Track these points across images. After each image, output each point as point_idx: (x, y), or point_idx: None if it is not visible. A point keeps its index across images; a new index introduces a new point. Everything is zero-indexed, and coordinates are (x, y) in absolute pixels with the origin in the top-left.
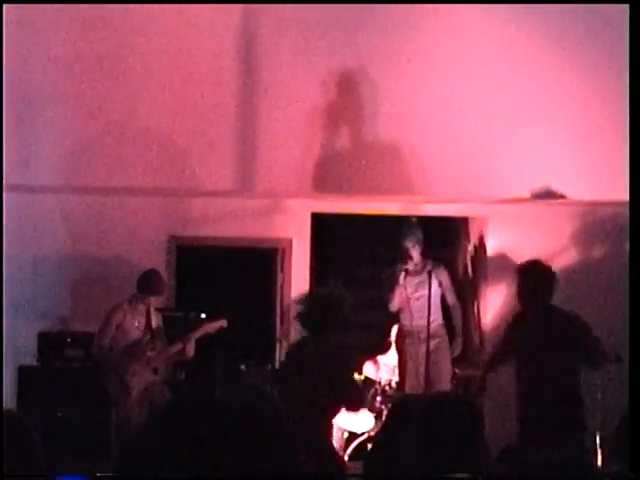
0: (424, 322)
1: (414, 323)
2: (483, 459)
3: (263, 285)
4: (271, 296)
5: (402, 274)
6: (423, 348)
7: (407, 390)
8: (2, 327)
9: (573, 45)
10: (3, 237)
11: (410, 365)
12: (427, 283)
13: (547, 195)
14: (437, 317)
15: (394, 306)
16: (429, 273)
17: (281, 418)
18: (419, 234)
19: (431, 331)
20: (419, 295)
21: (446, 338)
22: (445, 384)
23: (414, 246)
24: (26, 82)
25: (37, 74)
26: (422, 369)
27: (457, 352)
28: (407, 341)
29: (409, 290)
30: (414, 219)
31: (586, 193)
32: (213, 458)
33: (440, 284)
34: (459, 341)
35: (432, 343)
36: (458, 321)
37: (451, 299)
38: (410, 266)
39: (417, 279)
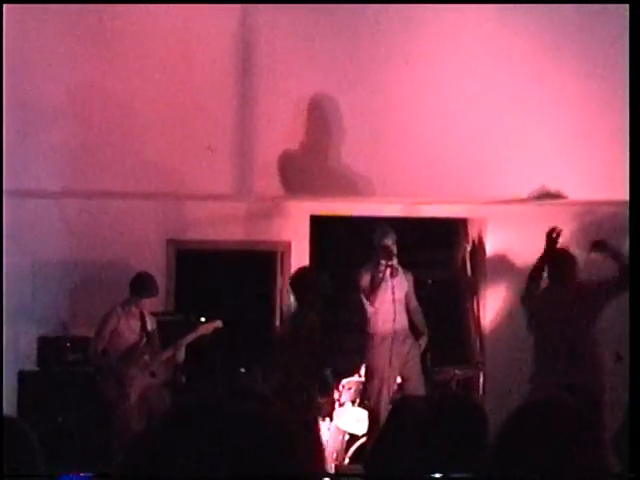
0: (402, 325)
1: (396, 325)
2: (484, 459)
3: (262, 288)
4: (270, 299)
5: (388, 271)
6: (403, 349)
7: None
8: (2, 332)
9: (572, 45)
10: (3, 242)
11: (386, 367)
12: (404, 284)
13: (546, 196)
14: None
15: (376, 305)
16: (404, 274)
17: (280, 421)
18: (394, 235)
19: (407, 333)
20: (398, 296)
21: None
22: (421, 386)
23: (394, 244)
24: (25, 87)
25: (36, 79)
26: (398, 371)
27: (423, 347)
28: (381, 342)
29: (392, 290)
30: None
31: (585, 193)
32: (212, 461)
33: (407, 287)
34: (425, 338)
35: (409, 343)
36: (421, 322)
37: (414, 302)
38: (394, 264)
39: (395, 279)
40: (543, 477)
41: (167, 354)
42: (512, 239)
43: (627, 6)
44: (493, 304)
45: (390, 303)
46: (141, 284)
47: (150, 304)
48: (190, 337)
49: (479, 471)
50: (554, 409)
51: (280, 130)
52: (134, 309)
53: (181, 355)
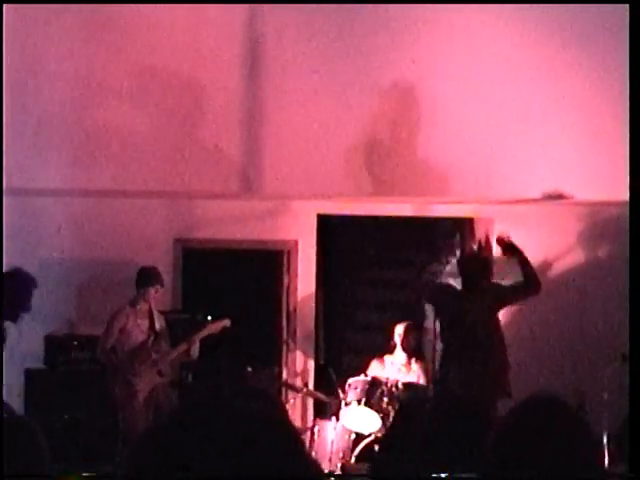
0: None
1: None
2: (487, 459)
3: (269, 287)
4: (277, 298)
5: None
6: None
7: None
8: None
9: (577, 46)
10: (3, 239)
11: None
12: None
13: (552, 196)
14: None
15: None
16: None
17: (286, 421)
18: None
19: None
20: None
21: None
22: None
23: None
24: (30, 84)
25: (41, 76)
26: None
27: None
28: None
29: None
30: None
31: (591, 193)
32: (218, 461)
33: None
34: None
35: None
36: None
37: None
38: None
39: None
40: (540, 477)
41: (174, 353)
42: (519, 239)
43: (627, 6)
44: None
45: None
46: (145, 275)
47: (157, 298)
48: (199, 335)
49: (484, 471)
50: (548, 408)
51: (287, 129)
52: (143, 305)
53: (195, 352)
